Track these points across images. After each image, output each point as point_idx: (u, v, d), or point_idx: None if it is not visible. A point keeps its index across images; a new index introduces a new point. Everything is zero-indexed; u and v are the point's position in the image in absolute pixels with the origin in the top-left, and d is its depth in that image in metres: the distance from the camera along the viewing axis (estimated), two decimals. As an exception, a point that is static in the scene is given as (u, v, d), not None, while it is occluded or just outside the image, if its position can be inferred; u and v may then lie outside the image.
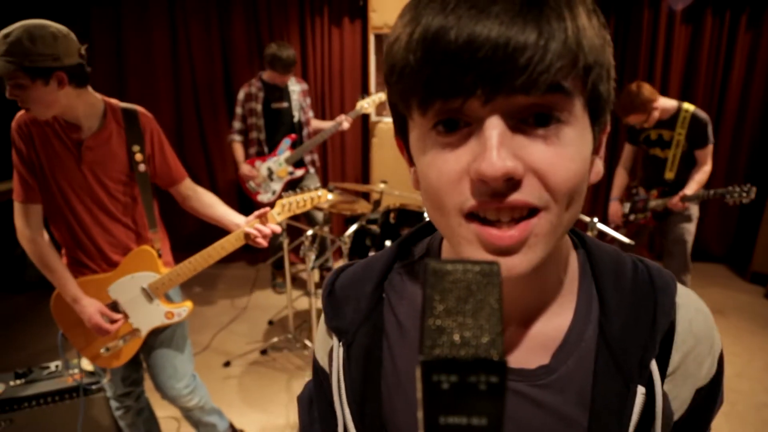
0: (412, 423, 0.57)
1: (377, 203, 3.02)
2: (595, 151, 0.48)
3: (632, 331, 0.52)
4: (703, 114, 2.83)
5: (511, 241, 0.42)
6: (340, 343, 0.60)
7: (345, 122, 3.45)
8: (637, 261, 0.56)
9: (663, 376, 0.52)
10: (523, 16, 0.38)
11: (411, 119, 0.46)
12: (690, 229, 3.03)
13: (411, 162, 0.53)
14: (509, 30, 0.37)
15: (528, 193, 0.41)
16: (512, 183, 0.41)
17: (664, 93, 4.16)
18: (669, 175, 3.02)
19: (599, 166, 0.50)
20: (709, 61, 4.15)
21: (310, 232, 2.79)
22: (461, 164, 0.43)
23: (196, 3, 4.15)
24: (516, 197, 0.41)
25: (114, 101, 1.71)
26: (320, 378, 0.65)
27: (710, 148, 2.88)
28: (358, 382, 0.58)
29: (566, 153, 0.42)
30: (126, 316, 1.77)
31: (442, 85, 0.40)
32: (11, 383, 2.02)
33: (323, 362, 0.65)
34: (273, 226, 1.73)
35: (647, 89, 2.82)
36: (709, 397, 0.57)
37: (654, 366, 0.51)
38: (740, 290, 4.04)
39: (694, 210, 3.03)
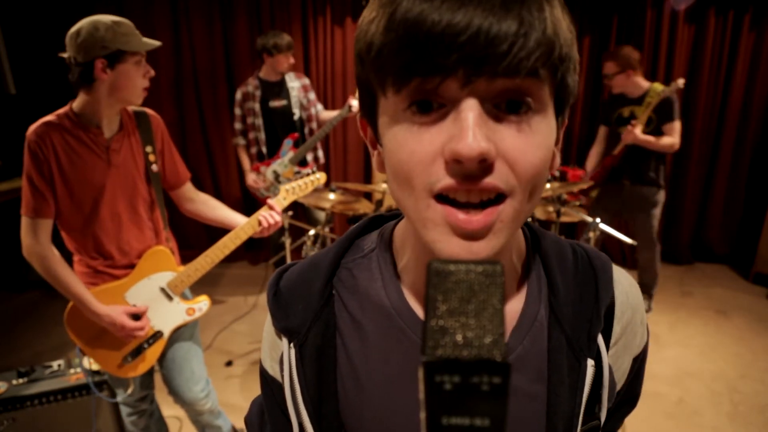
0: (371, 420, 0.56)
1: (379, 203, 3.02)
2: (556, 143, 0.49)
3: (579, 309, 0.56)
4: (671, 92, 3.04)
5: (479, 226, 0.43)
6: (291, 345, 0.58)
7: (354, 103, 3.18)
8: (575, 245, 0.61)
9: (607, 348, 0.57)
10: (505, 7, 0.39)
11: (384, 98, 0.46)
12: (654, 213, 3.26)
13: (375, 144, 0.53)
14: (491, 18, 0.38)
15: (497, 177, 0.42)
16: (485, 165, 0.42)
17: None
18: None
19: (557, 158, 0.51)
20: (712, 61, 4.13)
21: (312, 232, 2.80)
22: (434, 145, 0.43)
23: (198, 2, 4.15)
24: (488, 180, 0.42)
25: None
26: (272, 389, 0.63)
27: (677, 125, 3.04)
28: (313, 383, 0.57)
29: (535, 140, 0.43)
30: (147, 320, 1.75)
31: (422, 63, 0.40)
32: (14, 382, 2.02)
33: (273, 371, 0.63)
34: (278, 216, 1.81)
35: (637, 56, 3.06)
36: (641, 367, 0.63)
37: (600, 339, 0.56)
38: (743, 291, 4.02)
39: (659, 196, 3.23)
